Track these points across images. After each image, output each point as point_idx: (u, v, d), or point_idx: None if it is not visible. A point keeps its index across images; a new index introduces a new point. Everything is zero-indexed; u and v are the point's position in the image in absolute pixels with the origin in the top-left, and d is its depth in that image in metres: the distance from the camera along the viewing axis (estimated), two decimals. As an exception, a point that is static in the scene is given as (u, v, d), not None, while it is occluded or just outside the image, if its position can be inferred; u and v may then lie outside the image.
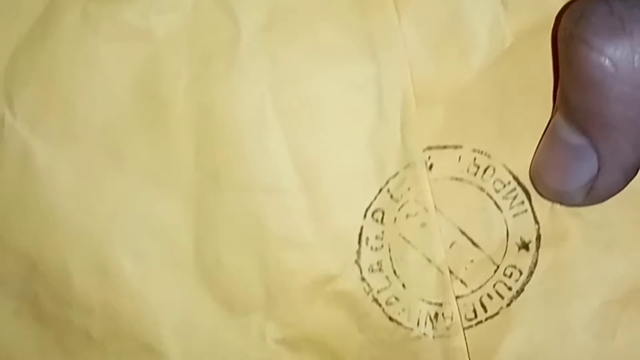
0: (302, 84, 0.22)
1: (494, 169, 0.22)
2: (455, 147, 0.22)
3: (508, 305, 0.23)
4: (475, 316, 0.22)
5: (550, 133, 0.22)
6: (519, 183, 0.22)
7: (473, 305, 0.22)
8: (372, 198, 0.22)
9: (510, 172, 0.22)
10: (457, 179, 0.22)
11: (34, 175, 0.22)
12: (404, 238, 0.22)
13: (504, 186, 0.22)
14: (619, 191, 0.21)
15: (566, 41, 0.19)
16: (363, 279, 0.22)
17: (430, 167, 0.22)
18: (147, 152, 0.22)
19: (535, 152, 0.22)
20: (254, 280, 0.22)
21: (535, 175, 0.22)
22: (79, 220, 0.22)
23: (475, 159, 0.22)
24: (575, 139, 0.20)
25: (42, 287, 0.23)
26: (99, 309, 0.22)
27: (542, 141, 0.22)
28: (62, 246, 0.22)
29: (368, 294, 0.22)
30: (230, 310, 0.22)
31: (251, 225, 0.22)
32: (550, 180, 0.22)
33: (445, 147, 0.22)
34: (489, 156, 0.22)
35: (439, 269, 0.22)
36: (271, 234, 0.22)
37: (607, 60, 0.18)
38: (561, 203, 0.22)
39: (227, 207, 0.22)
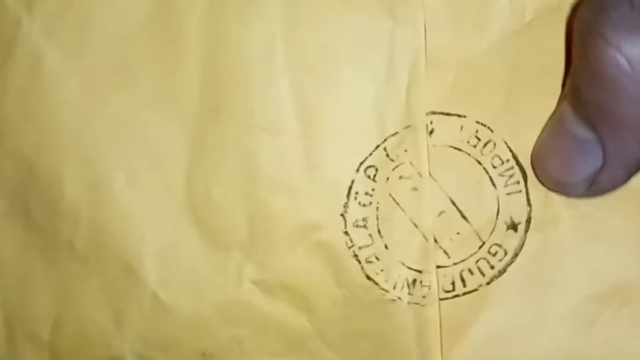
0: (315, 30, 0.22)
1: (495, 144, 0.22)
2: (459, 116, 0.22)
3: (488, 283, 0.22)
4: (453, 289, 0.22)
5: (556, 121, 0.21)
6: (518, 162, 0.22)
7: (453, 277, 0.22)
8: (368, 154, 0.22)
9: (511, 150, 0.22)
10: (456, 148, 0.22)
11: (42, 82, 0.23)
12: (393, 199, 0.22)
13: (502, 163, 0.22)
14: (620, 186, 0.21)
15: (583, 33, 0.19)
16: (346, 233, 0.22)
17: (431, 132, 0.22)
18: (154, 75, 0.22)
19: (539, 136, 0.22)
20: (239, 218, 0.22)
21: (536, 161, 0.22)
22: (79, 133, 0.23)
23: (477, 131, 0.22)
24: (582, 132, 0.20)
25: (34, 193, 0.23)
26: (85, 223, 0.23)
27: (547, 127, 0.22)
28: (58, 156, 0.23)
29: (349, 248, 0.22)
30: (212, 244, 0.22)
31: (245, 164, 0.22)
32: (551, 168, 0.22)
33: (448, 114, 0.22)
34: (491, 130, 0.22)
35: (424, 236, 0.22)
36: (263, 175, 0.22)
37: (623, 59, 0.18)
38: (560, 193, 0.22)
39: (224, 141, 0.22)
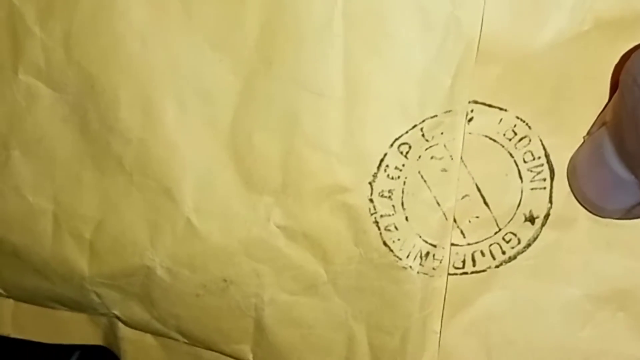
0: (376, 1, 0.22)
1: (530, 140, 0.23)
2: (501, 109, 0.23)
3: (497, 267, 0.24)
4: (463, 267, 0.24)
5: (596, 148, 0.22)
6: (548, 161, 0.23)
7: (464, 256, 0.24)
8: (404, 131, 0.23)
9: (545, 149, 0.23)
10: (491, 138, 0.23)
11: (112, 4, 0.24)
12: (421, 176, 0.23)
13: (533, 159, 0.23)
14: None
15: (628, 86, 0.19)
16: (371, 200, 0.23)
17: (470, 120, 0.23)
18: (217, 16, 0.24)
19: (577, 150, 0.23)
20: (275, 166, 0.24)
21: (573, 179, 0.23)
22: (138, 59, 0.24)
23: (515, 126, 0.23)
24: (623, 172, 0.21)
25: (92, 105, 0.25)
26: (135, 143, 0.25)
27: (587, 147, 0.23)
28: (117, 77, 0.24)
29: (371, 215, 0.24)
30: (246, 184, 0.24)
31: (287, 118, 0.24)
32: (589, 193, 0.23)
33: (490, 105, 0.23)
34: (529, 127, 0.23)
35: (444, 214, 0.24)
36: (303, 131, 0.24)
37: None
38: (592, 212, 0.23)
39: (271, 93, 0.24)
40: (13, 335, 0.32)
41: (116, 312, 0.29)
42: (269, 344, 0.27)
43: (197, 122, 0.25)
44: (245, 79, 0.24)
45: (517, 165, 0.24)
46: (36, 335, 0.32)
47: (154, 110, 0.25)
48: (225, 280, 0.26)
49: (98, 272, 0.27)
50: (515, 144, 0.24)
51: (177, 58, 0.25)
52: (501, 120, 0.24)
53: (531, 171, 0.24)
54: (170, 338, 0.29)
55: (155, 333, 0.29)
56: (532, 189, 0.24)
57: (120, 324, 0.29)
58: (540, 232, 0.24)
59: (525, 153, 0.24)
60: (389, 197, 0.24)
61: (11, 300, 0.31)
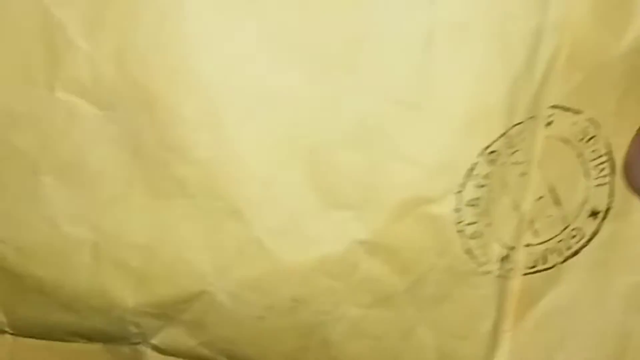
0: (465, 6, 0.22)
1: (597, 140, 0.24)
2: (576, 112, 0.24)
3: (563, 262, 0.25)
4: (535, 266, 0.25)
5: None
6: (610, 158, 0.24)
7: (537, 255, 0.25)
8: (494, 139, 0.23)
9: (609, 147, 0.24)
10: (564, 140, 0.24)
11: (180, 14, 0.22)
12: (504, 182, 0.24)
13: (599, 157, 0.24)
14: None
15: None
16: (458, 210, 0.23)
17: (549, 124, 0.23)
18: (294, 25, 0.22)
19: (632, 142, 0.24)
20: (356, 180, 0.24)
21: (629, 172, 0.24)
22: (209, 72, 0.22)
23: (587, 127, 0.24)
24: None
25: (149, 124, 0.23)
26: (200, 162, 0.23)
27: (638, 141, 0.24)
28: (184, 91, 0.23)
29: (457, 224, 0.24)
30: (323, 200, 0.24)
31: (372, 130, 0.23)
32: None
33: (568, 109, 0.24)
34: (599, 127, 0.24)
35: (521, 217, 0.24)
36: (389, 140, 0.23)
37: None
38: None
39: (354, 104, 0.23)
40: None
41: (154, 341, 0.27)
42: (334, 356, 0.26)
43: (270, 137, 0.24)
44: (325, 90, 0.23)
45: (585, 164, 0.25)
46: None
47: (223, 128, 0.23)
48: (295, 300, 0.25)
49: (144, 302, 0.25)
50: (585, 144, 0.25)
51: (249, 72, 0.23)
52: (576, 122, 0.24)
53: (596, 169, 0.25)
54: (213, 361, 0.27)
55: (196, 358, 0.27)
56: (596, 185, 0.25)
57: (150, 353, 0.27)
58: (601, 226, 0.26)
59: (592, 151, 0.25)
60: (476, 205, 0.24)
61: (9, 337, 0.28)
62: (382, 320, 0.26)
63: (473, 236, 0.25)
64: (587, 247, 0.26)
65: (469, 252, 0.25)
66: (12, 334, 0.28)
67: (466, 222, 0.25)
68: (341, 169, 0.24)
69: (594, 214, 0.26)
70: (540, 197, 0.25)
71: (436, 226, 0.24)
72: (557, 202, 0.25)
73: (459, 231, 0.25)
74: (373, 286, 0.25)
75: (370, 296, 0.25)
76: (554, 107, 0.24)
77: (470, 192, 0.24)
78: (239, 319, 0.26)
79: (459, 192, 0.24)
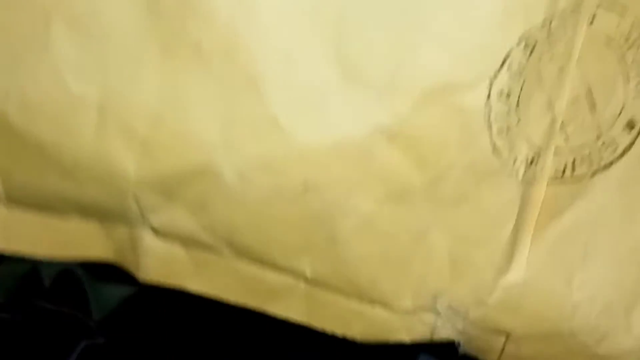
0: None
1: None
2: (621, 13, 0.22)
3: (592, 175, 0.24)
4: (563, 174, 0.23)
5: None
6: None
7: (565, 162, 0.23)
8: (532, 25, 0.22)
9: None
10: (607, 41, 0.23)
11: None
12: (540, 76, 0.22)
13: None
14: None
15: None
16: (488, 100, 0.22)
17: (591, 22, 0.22)
18: None
19: None
20: (385, 60, 0.23)
21: None
22: None
23: (630, 30, 0.23)
24: None
25: None
26: (221, 25, 0.23)
27: None
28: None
29: (484, 116, 0.22)
30: (347, 77, 0.23)
31: (406, 5, 0.21)
32: None
33: (613, 9, 0.22)
34: None
35: (553, 118, 0.23)
36: (422, 19, 0.22)
37: None
38: None
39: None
40: (1, 248, 0.28)
41: (153, 221, 0.25)
42: (337, 257, 0.25)
43: (294, 6, 0.22)
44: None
45: (626, 69, 0.24)
46: (30, 247, 0.28)
47: None
48: (305, 185, 0.24)
49: (147, 175, 0.24)
50: (627, 49, 0.23)
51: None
52: (619, 23, 0.23)
53: (637, 77, 0.24)
54: (212, 251, 0.26)
55: (194, 245, 0.26)
56: (634, 96, 0.24)
57: (146, 236, 0.26)
58: (636, 139, 0.24)
59: (633, 60, 0.23)
60: (507, 96, 0.23)
61: (3, 209, 0.27)
62: (394, 219, 0.25)
63: (501, 132, 0.23)
64: (620, 161, 0.25)
65: (495, 149, 0.24)
66: (6, 204, 0.27)
67: (495, 115, 0.23)
68: (368, 45, 0.23)
69: (630, 126, 0.24)
70: (576, 99, 0.24)
71: (463, 117, 0.23)
72: (592, 106, 0.24)
73: (488, 125, 0.23)
74: (389, 179, 0.24)
75: (384, 190, 0.24)
76: (598, 5, 0.23)
77: (503, 83, 0.23)
78: (244, 201, 0.24)
79: (492, 81, 0.23)
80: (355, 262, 0.25)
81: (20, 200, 0.26)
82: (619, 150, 0.24)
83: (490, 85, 0.23)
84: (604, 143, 0.24)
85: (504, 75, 0.23)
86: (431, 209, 0.25)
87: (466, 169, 0.24)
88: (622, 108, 0.24)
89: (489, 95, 0.23)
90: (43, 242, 0.28)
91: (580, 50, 0.23)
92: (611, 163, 0.25)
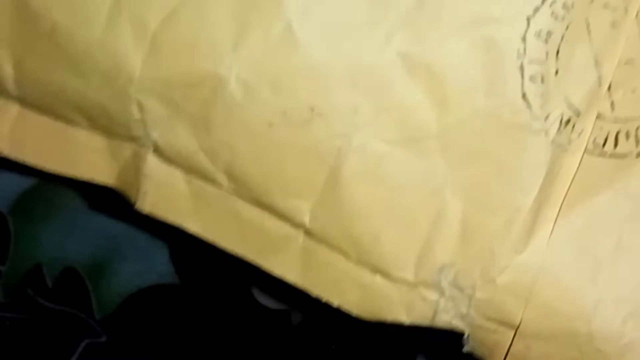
0: None
1: None
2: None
3: (638, 155, 0.20)
4: (603, 146, 0.21)
5: None
6: None
7: (608, 133, 0.21)
8: (586, -38, 0.19)
9: None
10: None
11: None
12: (588, 25, 0.20)
13: None
14: None
15: None
16: (524, 40, 0.20)
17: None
18: None
19: None
20: None
21: None
22: None
23: None
24: None
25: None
26: None
27: None
28: None
29: (518, 57, 0.20)
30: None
31: None
32: None
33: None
34: None
35: (600, 77, 0.20)
36: None
37: None
38: None
39: None
40: (8, 153, 0.27)
41: (155, 135, 0.24)
42: (337, 204, 0.23)
43: None
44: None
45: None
46: (36, 157, 0.27)
47: None
48: (312, 110, 0.22)
49: (152, 75, 0.23)
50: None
51: None
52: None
53: None
54: (211, 181, 0.24)
55: (194, 171, 0.24)
56: (701, 72, 0.21)
57: (150, 157, 0.25)
58: None
59: None
60: (546, 40, 0.20)
61: (16, 106, 0.26)
62: (405, 166, 0.22)
63: (533, 79, 0.21)
64: None
65: (525, 98, 0.21)
66: (18, 102, 0.26)
67: (530, 57, 0.21)
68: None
69: (688, 106, 0.21)
70: (629, 61, 0.21)
71: (494, 54, 0.21)
72: (648, 74, 0.21)
73: (520, 68, 0.21)
74: (403, 118, 0.22)
75: (398, 131, 0.22)
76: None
77: (542, 21, 0.21)
78: (247, 120, 0.23)
79: (531, 16, 0.20)
80: (356, 212, 0.23)
81: (31, 99, 0.26)
82: (673, 134, 0.21)
83: (528, 21, 0.21)
84: (656, 119, 0.21)
85: (545, 12, 0.20)
86: (447, 161, 0.22)
87: (490, 116, 0.21)
88: (682, 81, 0.21)
89: (526, 33, 0.21)
90: (50, 154, 0.27)
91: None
92: (664, 145, 0.22)
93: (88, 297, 0.31)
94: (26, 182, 0.33)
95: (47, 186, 0.33)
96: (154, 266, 0.33)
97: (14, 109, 0.26)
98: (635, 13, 0.21)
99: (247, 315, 0.31)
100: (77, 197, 0.33)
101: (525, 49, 0.21)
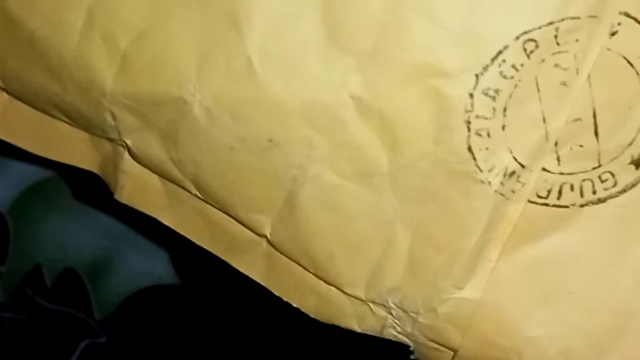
0: None
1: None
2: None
3: (581, 206, 0.21)
4: (546, 197, 0.21)
5: None
6: None
7: (551, 186, 0.21)
8: (537, 26, 0.20)
9: None
10: (628, 61, 0.20)
11: None
12: (537, 84, 0.20)
13: None
14: None
15: None
16: (471, 95, 0.20)
17: (613, 34, 0.20)
18: None
19: None
20: (370, 25, 0.22)
21: None
22: None
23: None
24: None
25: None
26: None
27: None
28: None
29: (466, 112, 0.21)
30: (329, 37, 0.22)
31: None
32: None
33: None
34: None
35: (546, 133, 0.21)
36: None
37: None
38: None
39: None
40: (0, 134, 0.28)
41: (128, 142, 0.25)
42: (295, 223, 0.24)
43: None
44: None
45: (645, 99, 0.21)
46: (25, 141, 0.28)
47: None
48: (270, 141, 0.23)
49: (122, 91, 0.24)
50: (652, 73, 0.21)
51: None
52: (645, 41, 0.20)
53: (657, 111, 0.21)
54: (181, 187, 0.25)
55: (165, 177, 0.26)
56: (650, 131, 0.21)
57: (126, 155, 0.26)
58: None
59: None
60: (493, 97, 0.21)
61: (5, 95, 0.28)
62: (357, 199, 0.23)
63: (479, 132, 0.21)
64: (617, 199, 0.22)
65: (470, 150, 0.22)
66: (7, 92, 0.27)
67: (476, 113, 0.21)
68: (358, 7, 0.21)
69: (637, 162, 0.22)
70: (578, 119, 0.21)
71: (442, 107, 0.22)
72: (596, 132, 0.22)
73: (466, 122, 0.21)
74: (356, 155, 0.23)
75: (351, 167, 0.23)
76: (625, 14, 0.20)
77: (491, 79, 0.21)
78: (211, 142, 0.24)
79: (479, 74, 0.21)
80: (312, 234, 0.24)
81: (16, 92, 0.27)
82: (619, 187, 0.22)
83: (477, 79, 0.21)
84: (601, 176, 0.22)
85: (493, 71, 0.21)
86: (397, 199, 0.23)
87: (438, 164, 0.22)
88: (632, 141, 0.22)
89: (473, 90, 0.21)
90: (37, 139, 0.28)
91: (594, 65, 0.21)
92: (606, 199, 0.22)
93: (87, 298, 0.31)
94: (25, 183, 0.34)
95: (46, 186, 0.33)
96: (154, 267, 0.33)
97: (4, 96, 0.28)
98: (586, 75, 0.21)
99: (247, 315, 0.32)
100: (76, 197, 0.33)
101: (472, 104, 0.21)
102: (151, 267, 0.33)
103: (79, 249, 0.33)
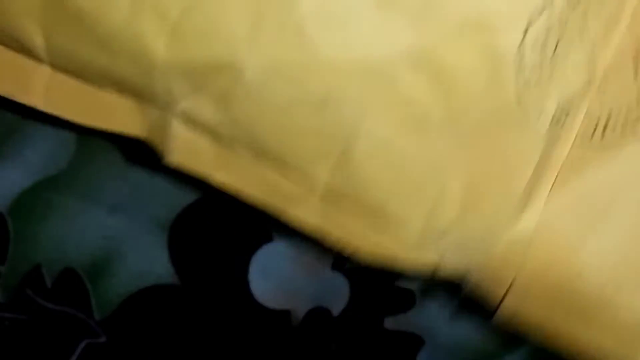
0: None
1: None
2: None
3: (624, 144, 0.23)
4: (592, 138, 0.23)
5: None
6: None
7: (596, 125, 0.23)
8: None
9: None
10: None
11: None
12: (582, 32, 0.22)
13: None
14: None
15: None
16: (521, 46, 0.21)
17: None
18: None
19: None
20: None
21: None
22: None
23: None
24: None
25: None
26: None
27: None
28: None
29: (516, 64, 0.22)
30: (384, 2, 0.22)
31: None
32: None
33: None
34: None
35: (592, 75, 0.22)
36: None
37: None
38: None
39: None
40: (43, 108, 0.29)
41: (179, 107, 0.26)
42: (349, 176, 0.25)
43: None
44: None
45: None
46: (70, 112, 0.29)
47: None
48: (324, 99, 0.24)
49: (175, 59, 0.25)
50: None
51: None
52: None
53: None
54: (233, 147, 0.26)
55: (217, 138, 0.27)
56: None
57: (176, 120, 0.27)
58: None
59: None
60: (543, 47, 0.22)
61: (47, 68, 0.28)
62: (411, 150, 0.24)
63: (529, 83, 0.23)
64: None
65: (520, 100, 0.23)
66: (50, 66, 0.28)
67: (526, 65, 0.22)
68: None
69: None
70: (619, 62, 0.23)
71: (493, 59, 0.23)
72: (636, 72, 0.23)
73: (516, 72, 0.23)
74: (409, 106, 0.24)
75: (403, 116, 0.24)
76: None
77: (540, 31, 0.22)
78: (263, 104, 0.25)
79: (528, 27, 0.22)
80: (366, 184, 0.25)
81: (61, 64, 0.28)
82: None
83: (526, 30, 0.22)
84: (642, 114, 0.23)
85: (542, 22, 0.22)
86: (449, 143, 0.24)
87: (488, 111, 0.23)
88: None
89: (522, 41, 0.22)
90: (83, 110, 0.29)
91: (634, 10, 0.22)
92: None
93: (87, 298, 0.31)
94: (25, 182, 0.33)
95: (46, 186, 0.33)
96: (154, 267, 0.33)
97: (47, 70, 0.28)
98: (628, 19, 0.22)
99: (247, 315, 0.32)
100: (76, 197, 0.33)
101: (522, 56, 0.22)
102: (151, 266, 0.33)
103: (78, 249, 0.33)
